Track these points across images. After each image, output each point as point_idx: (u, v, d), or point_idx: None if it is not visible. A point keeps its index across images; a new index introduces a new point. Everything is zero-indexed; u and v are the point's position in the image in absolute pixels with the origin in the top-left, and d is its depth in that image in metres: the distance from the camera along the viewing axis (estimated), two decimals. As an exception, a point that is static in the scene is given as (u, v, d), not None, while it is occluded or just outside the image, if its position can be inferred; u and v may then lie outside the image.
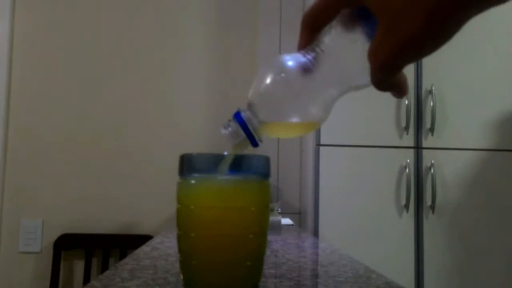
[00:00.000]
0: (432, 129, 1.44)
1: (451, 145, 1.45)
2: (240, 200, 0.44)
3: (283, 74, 0.37)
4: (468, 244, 1.41)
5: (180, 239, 0.46)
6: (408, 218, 1.41)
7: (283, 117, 0.38)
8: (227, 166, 0.42)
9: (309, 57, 0.36)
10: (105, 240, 1.61)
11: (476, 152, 1.45)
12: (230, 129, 0.39)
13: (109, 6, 1.75)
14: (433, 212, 1.41)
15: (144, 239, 1.54)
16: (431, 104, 1.44)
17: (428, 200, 1.42)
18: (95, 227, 1.65)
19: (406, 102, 1.44)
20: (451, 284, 1.40)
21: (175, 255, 0.71)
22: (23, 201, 1.66)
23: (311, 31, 0.36)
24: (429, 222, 1.41)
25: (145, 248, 0.78)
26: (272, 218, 1.12)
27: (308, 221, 1.47)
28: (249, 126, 0.38)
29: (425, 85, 1.46)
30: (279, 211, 1.26)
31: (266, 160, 0.46)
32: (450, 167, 1.44)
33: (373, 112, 1.44)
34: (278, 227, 1.18)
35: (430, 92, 1.45)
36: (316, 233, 1.38)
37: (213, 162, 0.44)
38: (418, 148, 1.44)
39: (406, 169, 1.42)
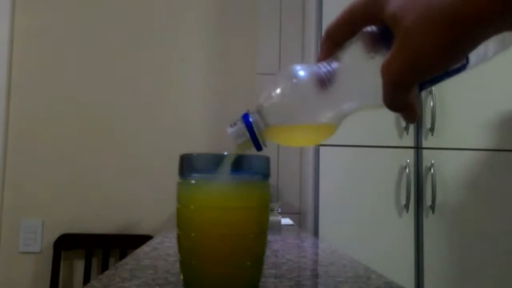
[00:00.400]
0: (432, 129, 1.44)
1: (451, 145, 1.45)
2: (240, 200, 0.44)
3: (294, 80, 0.37)
4: (468, 244, 1.41)
5: (180, 239, 0.46)
6: (408, 218, 1.41)
7: (288, 122, 0.38)
8: (229, 167, 0.42)
9: (325, 69, 0.36)
10: (105, 240, 1.61)
11: (476, 152, 1.45)
12: (236, 128, 0.39)
13: (109, 7, 1.75)
14: (433, 212, 1.41)
15: (144, 239, 1.54)
16: (431, 104, 1.45)
17: (428, 200, 1.42)
18: (95, 227, 1.65)
19: (406, 102, 1.43)
20: (451, 284, 1.40)
21: (175, 255, 0.71)
22: (23, 201, 1.66)
23: (331, 45, 0.36)
24: (429, 222, 1.41)
25: (145, 248, 0.78)
26: (272, 218, 1.12)
27: (308, 221, 1.47)
28: (255, 128, 0.38)
29: (425, 85, 1.46)
30: (279, 211, 1.26)
31: (266, 160, 0.46)
32: (450, 167, 1.44)
33: (373, 112, 1.44)
34: (278, 227, 1.18)
35: (430, 92, 1.45)
36: (316, 233, 1.38)
37: (213, 162, 0.44)
38: (418, 148, 1.44)
39: (406, 169, 1.42)
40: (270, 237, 0.90)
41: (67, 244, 1.61)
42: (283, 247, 0.86)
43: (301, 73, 0.37)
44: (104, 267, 1.58)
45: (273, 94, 0.37)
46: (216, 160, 0.44)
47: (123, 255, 1.58)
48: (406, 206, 1.41)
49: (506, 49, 0.35)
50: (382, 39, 0.33)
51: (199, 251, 0.44)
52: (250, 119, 0.38)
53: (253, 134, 0.38)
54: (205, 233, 0.44)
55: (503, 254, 1.42)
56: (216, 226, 0.43)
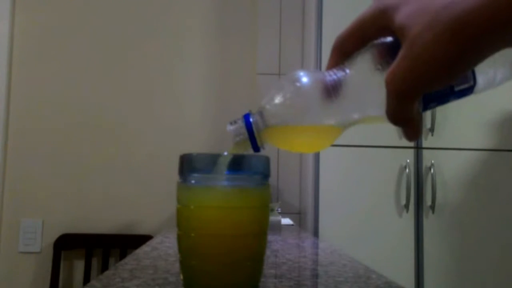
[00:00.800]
0: (432, 129, 1.44)
1: (451, 145, 1.45)
2: (240, 200, 0.44)
3: (298, 84, 0.37)
4: (468, 244, 1.41)
5: (180, 239, 0.46)
6: (408, 218, 1.41)
7: (288, 124, 0.38)
8: (225, 166, 0.42)
9: (331, 77, 0.36)
10: (105, 240, 1.61)
11: (476, 152, 1.45)
12: (235, 126, 0.39)
13: (110, 7, 1.75)
14: (433, 212, 1.41)
15: (144, 239, 1.54)
16: (431, 104, 1.44)
17: (428, 200, 1.42)
18: (95, 227, 1.65)
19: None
20: (451, 283, 1.40)
21: (175, 255, 0.71)
22: (23, 201, 1.66)
23: (340, 55, 0.36)
24: (429, 222, 1.41)
25: (145, 248, 0.78)
26: (272, 218, 1.12)
27: (308, 221, 1.47)
28: (254, 127, 0.38)
29: (425, 85, 1.46)
30: (279, 211, 1.26)
31: (266, 160, 0.46)
32: (450, 167, 1.44)
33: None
34: (278, 227, 1.18)
35: (430, 92, 1.45)
36: (316, 233, 1.38)
37: (213, 162, 0.44)
38: (418, 148, 1.44)
39: (406, 169, 1.42)
40: (270, 237, 0.90)
41: (67, 244, 1.61)
42: (283, 247, 0.86)
43: (306, 78, 0.37)
44: (104, 267, 1.58)
45: (276, 96, 0.38)
46: (216, 160, 0.44)
47: (123, 255, 1.58)
48: (406, 206, 1.41)
49: None
50: (391, 51, 0.32)
51: (199, 251, 0.44)
52: (251, 119, 0.38)
53: (251, 133, 0.38)
54: (205, 233, 0.44)
55: (503, 254, 1.42)
56: (216, 226, 0.43)
